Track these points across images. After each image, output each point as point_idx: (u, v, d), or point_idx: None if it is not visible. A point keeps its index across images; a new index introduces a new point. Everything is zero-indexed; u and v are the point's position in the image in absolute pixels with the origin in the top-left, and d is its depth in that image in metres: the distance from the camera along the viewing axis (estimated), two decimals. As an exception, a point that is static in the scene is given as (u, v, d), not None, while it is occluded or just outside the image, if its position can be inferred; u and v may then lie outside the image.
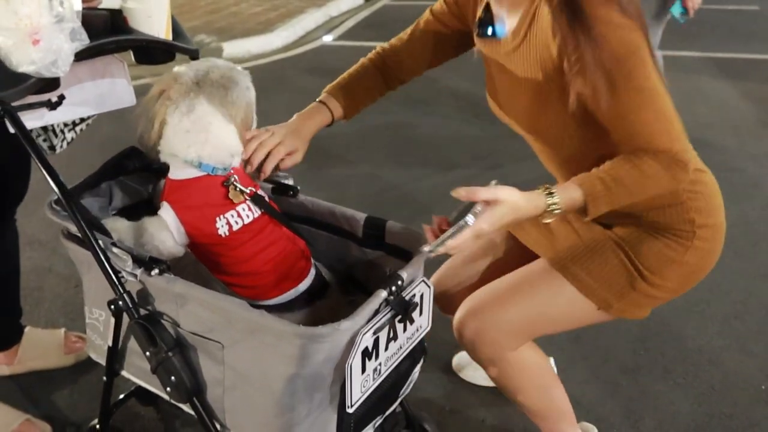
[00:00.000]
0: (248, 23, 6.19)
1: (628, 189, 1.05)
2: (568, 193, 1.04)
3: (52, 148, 1.47)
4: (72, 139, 1.49)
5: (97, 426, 1.43)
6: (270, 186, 1.38)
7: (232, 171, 1.22)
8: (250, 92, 1.22)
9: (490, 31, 1.19)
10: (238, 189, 1.19)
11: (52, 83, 1.11)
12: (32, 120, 1.20)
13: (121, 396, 1.50)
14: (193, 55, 1.33)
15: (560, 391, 1.35)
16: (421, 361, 1.23)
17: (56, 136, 1.45)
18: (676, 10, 2.67)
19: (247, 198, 1.21)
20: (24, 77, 1.06)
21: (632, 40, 1.01)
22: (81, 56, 1.10)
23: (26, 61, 1.05)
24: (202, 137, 1.16)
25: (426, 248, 1.04)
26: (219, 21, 6.33)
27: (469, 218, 0.97)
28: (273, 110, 3.81)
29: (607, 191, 1.04)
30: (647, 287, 1.20)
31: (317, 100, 1.38)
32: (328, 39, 5.84)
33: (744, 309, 2.10)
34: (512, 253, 1.37)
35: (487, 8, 1.18)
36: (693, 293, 1.35)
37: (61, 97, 1.19)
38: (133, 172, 1.31)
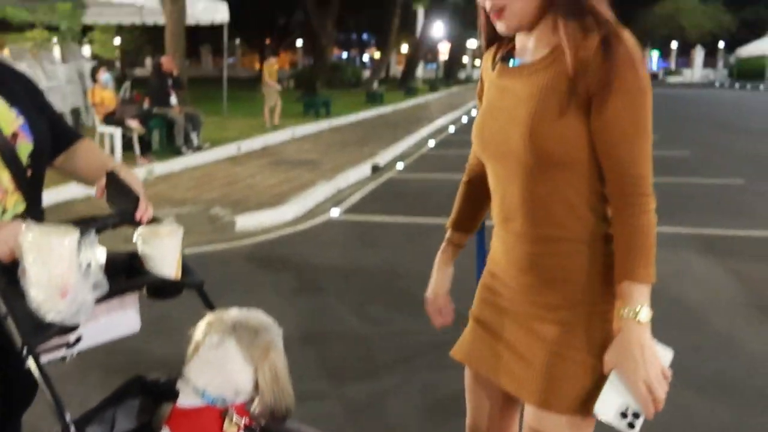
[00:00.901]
0: (262, 196, 6.62)
1: (646, 240, 1.21)
2: (637, 295, 1.19)
3: (63, 358, 1.59)
4: (76, 352, 1.59)
5: None
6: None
7: (231, 405, 1.33)
8: (279, 342, 1.36)
9: (512, 63, 1.32)
10: (233, 421, 1.30)
11: (73, 327, 1.26)
12: (49, 356, 1.34)
13: None
14: (198, 287, 1.50)
15: None
16: None
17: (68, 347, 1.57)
18: None
19: (241, 429, 1.30)
20: (50, 325, 1.21)
21: (649, 86, 1.20)
22: (100, 300, 1.27)
23: (54, 312, 1.20)
24: (216, 371, 1.30)
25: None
26: (235, 193, 6.78)
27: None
28: (280, 286, 4.02)
29: (643, 258, 1.20)
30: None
31: (445, 238, 1.57)
32: (335, 213, 6.20)
33: None
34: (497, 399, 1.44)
35: (508, 50, 1.34)
36: None
37: (78, 339, 1.33)
38: (137, 396, 1.43)
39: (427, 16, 31.43)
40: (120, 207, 1.47)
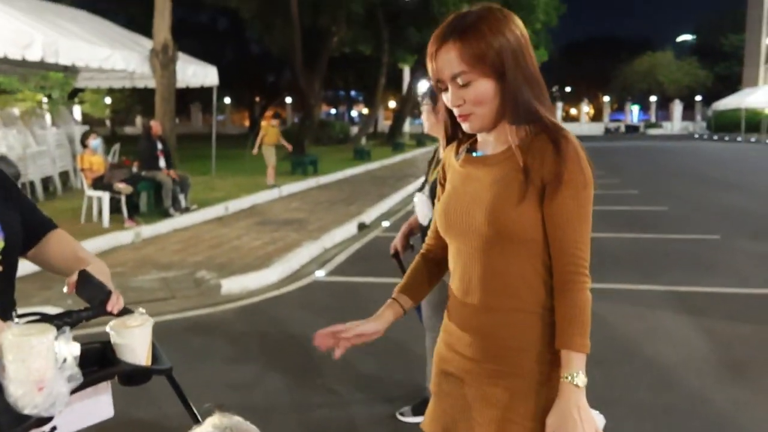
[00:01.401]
0: (247, 258, 6.72)
1: (580, 319, 1.35)
2: (575, 363, 1.33)
3: None
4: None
5: None
6: None
7: None
8: None
9: (475, 154, 1.49)
10: None
11: (49, 418, 1.34)
12: None
13: None
14: (167, 373, 1.58)
15: None
16: None
17: None
18: None
19: None
20: (27, 417, 1.29)
21: (591, 181, 1.37)
22: (74, 391, 1.36)
23: (30, 405, 1.29)
24: None
25: None
26: (220, 256, 6.88)
27: None
28: (265, 350, 4.07)
29: (579, 328, 1.34)
30: None
31: (392, 297, 1.68)
32: (320, 274, 6.29)
33: None
34: None
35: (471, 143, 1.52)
36: None
37: (53, 428, 1.40)
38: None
39: (413, 73, 32.33)
40: (91, 300, 1.55)
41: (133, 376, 1.54)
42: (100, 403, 1.54)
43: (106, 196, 8.02)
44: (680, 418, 3.23)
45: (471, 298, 1.45)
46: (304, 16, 23.97)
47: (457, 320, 1.50)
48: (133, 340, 1.50)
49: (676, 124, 52.49)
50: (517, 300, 1.40)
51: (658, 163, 20.07)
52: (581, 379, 1.33)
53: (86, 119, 17.64)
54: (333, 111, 65.31)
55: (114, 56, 10.03)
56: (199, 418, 1.56)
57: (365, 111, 51.17)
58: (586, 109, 56.99)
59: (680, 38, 57.28)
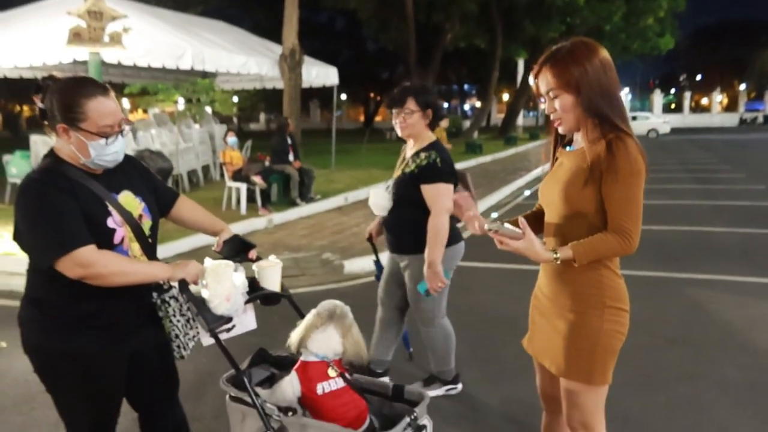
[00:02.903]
0: (366, 243, 7.37)
1: (595, 247, 1.81)
2: (564, 252, 1.83)
3: (182, 356, 2.28)
4: (191, 346, 2.30)
5: None
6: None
7: (331, 360, 2.08)
8: (354, 321, 2.14)
9: (568, 148, 2.02)
10: (333, 368, 2.06)
11: (230, 319, 2.04)
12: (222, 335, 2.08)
13: None
14: (289, 297, 2.25)
15: None
16: None
17: (186, 348, 2.27)
18: (422, 288, 3.08)
19: (337, 374, 2.05)
20: (220, 317, 2.01)
21: (641, 170, 1.83)
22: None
23: (222, 309, 2.01)
24: (323, 343, 2.07)
25: (487, 225, 1.86)
26: (342, 241, 7.64)
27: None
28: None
29: (585, 246, 1.81)
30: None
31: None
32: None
33: None
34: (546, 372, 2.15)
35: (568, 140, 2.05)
36: None
37: (233, 327, 2.09)
38: (263, 363, 2.26)
39: (526, 66, 32.01)
40: (239, 251, 2.26)
41: (270, 298, 2.25)
42: (250, 317, 2.25)
43: (243, 187, 9.08)
44: (764, 394, 3.45)
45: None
46: (418, 14, 24.62)
47: (543, 267, 2.09)
48: (270, 275, 2.22)
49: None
50: None
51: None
52: (556, 256, 1.86)
53: (215, 117, 19.40)
54: (446, 105, 65.59)
55: (249, 62, 11.18)
56: (302, 313, 2.22)
57: (478, 104, 51.04)
58: (719, 98, 53.09)
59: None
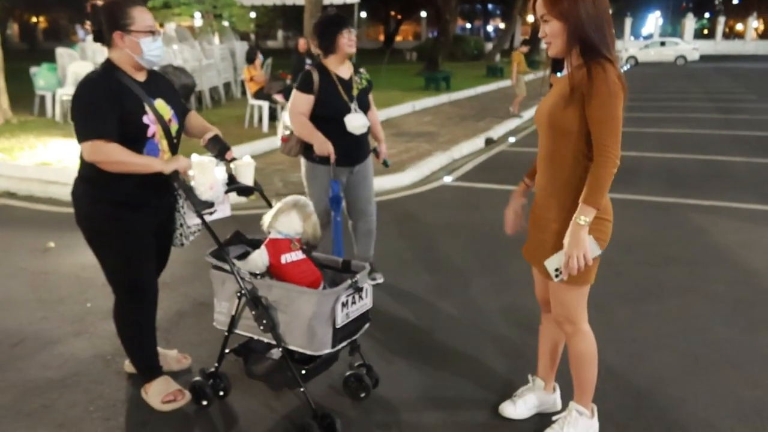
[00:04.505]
0: (377, 160, 7.63)
1: (593, 186, 2.05)
2: (581, 212, 2.05)
3: (182, 244, 2.81)
4: (191, 239, 2.80)
5: (215, 365, 2.68)
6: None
7: (294, 238, 2.53)
8: (313, 210, 2.60)
9: (558, 74, 2.25)
10: (294, 244, 2.52)
11: (212, 204, 2.51)
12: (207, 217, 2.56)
13: (227, 350, 2.66)
14: (260, 190, 2.68)
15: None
16: (367, 323, 2.57)
17: (187, 238, 2.78)
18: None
19: (298, 248, 2.52)
20: (205, 202, 2.47)
21: (618, 93, 2.03)
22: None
23: (207, 195, 2.46)
24: (287, 224, 2.53)
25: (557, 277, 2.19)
26: (362, 160, 7.86)
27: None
28: (400, 235, 5.00)
29: (587, 194, 2.06)
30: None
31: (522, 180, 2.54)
32: (448, 180, 7.11)
33: None
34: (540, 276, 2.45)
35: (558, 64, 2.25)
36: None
37: (214, 211, 2.57)
38: (240, 243, 2.72)
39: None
40: (219, 150, 2.64)
41: (245, 190, 2.69)
42: (227, 206, 2.69)
43: (265, 105, 9.25)
44: (750, 306, 3.74)
45: (540, 167, 2.31)
46: (443, -72, 23.61)
47: (537, 179, 2.35)
48: (245, 172, 2.66)
49: None
50: (562, 170, 2.19)
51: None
52: (584, 220, 2.07)
53: (236, 34, 19.18)
54: (468, 26, 63.69)
55: (270, -23, 11.05)
56: (271, 204, 2.69)
57: (502, 26, 49.51)
58: (755, 24, 50.84)
59: None
